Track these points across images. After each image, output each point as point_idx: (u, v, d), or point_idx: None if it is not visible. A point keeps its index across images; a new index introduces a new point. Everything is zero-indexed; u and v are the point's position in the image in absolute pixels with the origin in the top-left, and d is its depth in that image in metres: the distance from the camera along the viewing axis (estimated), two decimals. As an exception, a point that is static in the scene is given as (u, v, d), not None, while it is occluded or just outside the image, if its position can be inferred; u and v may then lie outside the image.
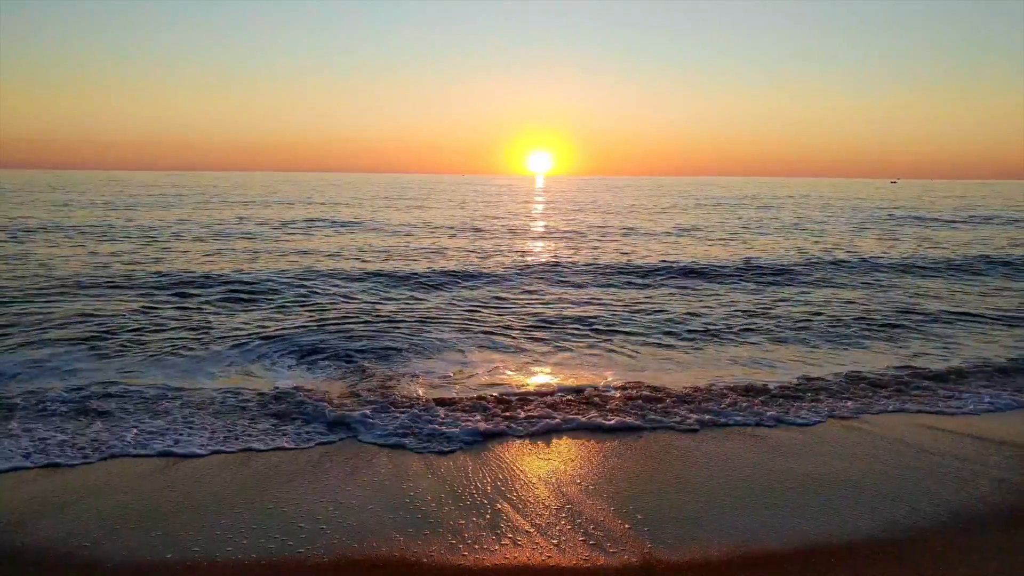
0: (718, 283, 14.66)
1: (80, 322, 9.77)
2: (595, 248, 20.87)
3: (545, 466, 5.51)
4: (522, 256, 18.58)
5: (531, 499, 4.92)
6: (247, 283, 13.19)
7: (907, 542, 4.41)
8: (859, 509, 4.84)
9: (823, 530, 4.55)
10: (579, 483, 5.18)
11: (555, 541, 4.36)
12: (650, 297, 13.05)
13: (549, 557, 4.18)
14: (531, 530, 4.48)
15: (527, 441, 6.04)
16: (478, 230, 26.30)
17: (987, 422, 6.63)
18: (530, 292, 13.45)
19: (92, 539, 4.26)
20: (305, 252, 18.45)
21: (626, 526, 4.53)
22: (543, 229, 27.76)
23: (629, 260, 17.80)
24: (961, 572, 4.07)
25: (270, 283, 13.27)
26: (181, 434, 5.89)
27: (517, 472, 5.38)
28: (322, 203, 42.29)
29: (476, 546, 4.27)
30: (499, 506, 4.79)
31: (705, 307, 12.08)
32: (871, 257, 18.61)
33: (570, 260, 17.66)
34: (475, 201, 50.58)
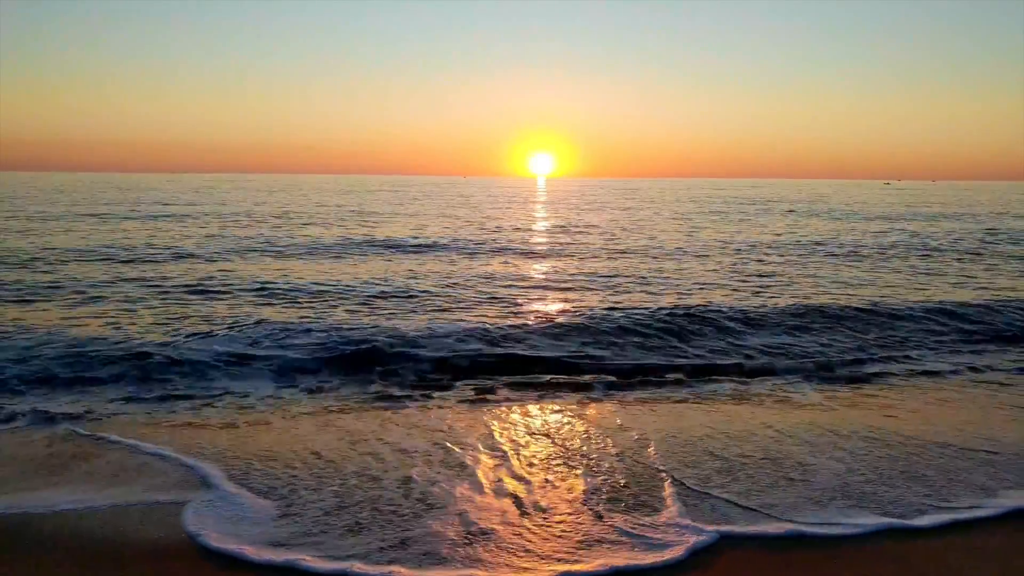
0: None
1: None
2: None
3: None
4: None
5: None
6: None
7: (908, 542, 4.38)
8: (859, 507, 4.79)
9: (823, 528, 4.52)
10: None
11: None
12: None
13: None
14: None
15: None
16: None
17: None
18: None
19: None
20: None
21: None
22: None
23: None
24: (962, 573, 4.05)
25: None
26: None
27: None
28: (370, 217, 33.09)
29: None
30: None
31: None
32: None
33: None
34: (567, 208, 44.28)
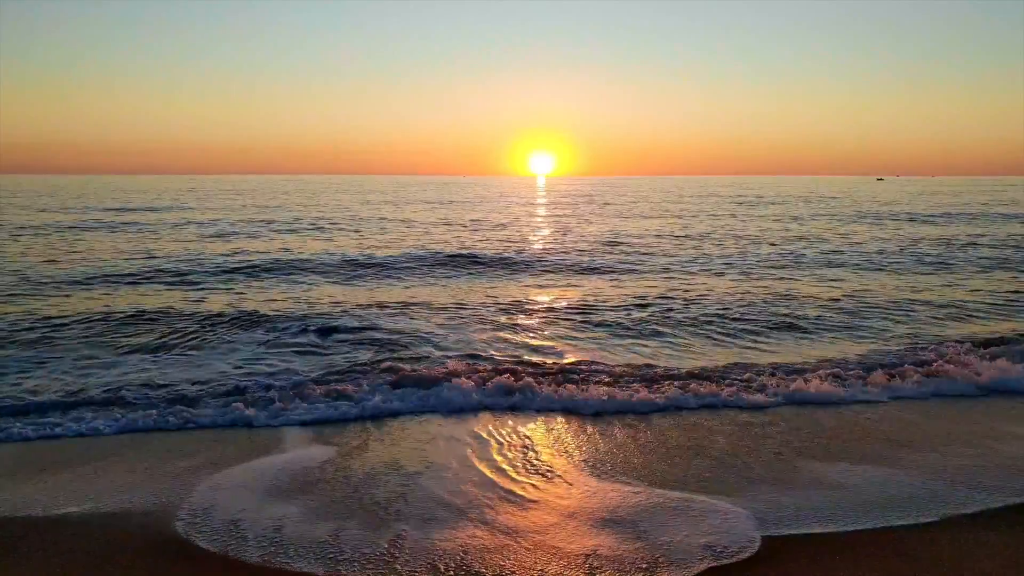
0: None
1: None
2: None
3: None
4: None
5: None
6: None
7: (909, 537, 4.40)
8: (860, 503, 4.85)
9: (826, 523, 4.58)
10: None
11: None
12: None
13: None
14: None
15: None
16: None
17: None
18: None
19: None
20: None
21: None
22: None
23: None
24: (962, 568, 4.06)
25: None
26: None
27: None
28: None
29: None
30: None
31: None
32: None
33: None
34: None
